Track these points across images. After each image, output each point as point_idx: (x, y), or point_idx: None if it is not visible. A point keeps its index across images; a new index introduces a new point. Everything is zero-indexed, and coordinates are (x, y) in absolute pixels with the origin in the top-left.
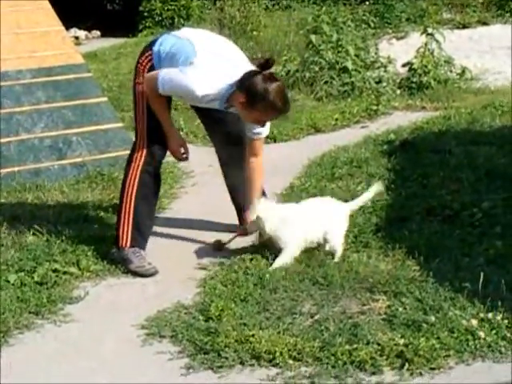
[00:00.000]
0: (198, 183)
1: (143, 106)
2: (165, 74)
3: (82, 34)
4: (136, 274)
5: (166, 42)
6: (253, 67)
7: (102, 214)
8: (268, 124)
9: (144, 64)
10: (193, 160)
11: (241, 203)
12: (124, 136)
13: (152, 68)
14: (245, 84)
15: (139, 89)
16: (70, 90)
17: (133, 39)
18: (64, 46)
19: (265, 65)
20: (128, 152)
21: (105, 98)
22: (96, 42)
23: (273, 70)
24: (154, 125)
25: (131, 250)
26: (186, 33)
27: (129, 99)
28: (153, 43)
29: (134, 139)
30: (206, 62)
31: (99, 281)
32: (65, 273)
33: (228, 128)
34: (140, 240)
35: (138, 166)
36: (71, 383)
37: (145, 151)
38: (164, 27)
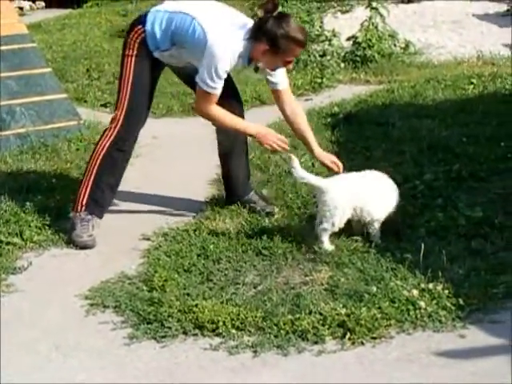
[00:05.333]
0: (142, 154)
1: (129, 80)
2: (202, 77)
3: (26, 4)
4: (74, 243)
5: (160, 20)
6: (246, 18)
7: (45, 184)
8: (284, 73)
9: (134, 38)
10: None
11: (231, 173)
12: (68, 107)
13: (144, 42)
14: (261, 32)
15: (127, 61)
16: (14, 61)
17: (77, 10)
18: (8, 16)
19: (272, 8)
20: (72, 123)
21: (49, 69)
22: (40, 12)
23: None
24: (137, 102)
25: (80, 217)
26: (174, 5)
27: (73, 70)
28: (143, 21)
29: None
30: (220, 31)
31: (42, 251)
32: (8, 243)
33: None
34: (95, 210)
35: (110, 137)
36: (14, 353)
37: (120, 125)
38: None
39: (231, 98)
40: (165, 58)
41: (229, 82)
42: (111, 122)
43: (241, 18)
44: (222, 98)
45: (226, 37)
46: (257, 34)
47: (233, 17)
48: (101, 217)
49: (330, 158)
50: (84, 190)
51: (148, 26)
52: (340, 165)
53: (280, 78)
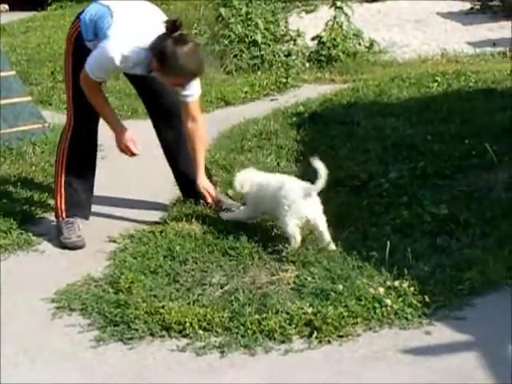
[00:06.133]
0: (107, 157)
1: (70, 78)
2: (88, 59)
3: None
4: (64, 246)
5: (91, 10)
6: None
7: (10, 188)
8: (198, 85)
9: (71, 33)
10: (102, 133)
11: (181, 172)
12: (33, 110)
13: (79, 35)
14: (156, 49)
15: (67, 59)
16: None
17: (41, 13)
18: None
19: (173, 27)
20: (37, 126)
21: (13, 72)
22: (4, 15)
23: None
24: (81, 98)
25: (64, 221)
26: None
27: (37, 73)
28: (81, 12)
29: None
30: (123, 30)
31: (8, 255)
32: None
33: (162, 97)
34: (75, 211)
35: (67, 137)
36: None
37: (73, 122)
38: (73, 1)
39: (167, 109)
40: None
41: (166, 94)
42: (65, 123)
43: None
44: (159, 110)
45: (123, 39)
46: (153, 48)
47: (154, 24)
48: (84, 216)
49: (205, 187)
50: (59, 196)
51: (83, 16)
52: (213, 196)
53: (191, 91)
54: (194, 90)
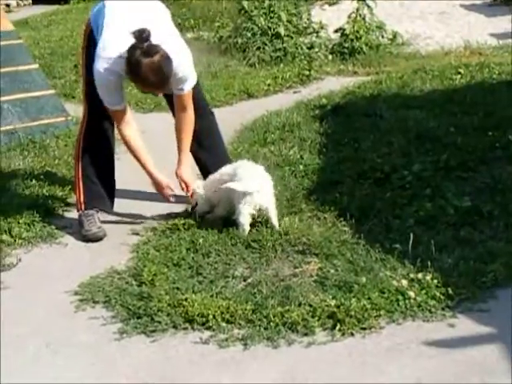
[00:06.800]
0: None
1: (83, 73)
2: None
3: (13, 1)
4: (85, 238)
5: (96, 8)
6: (170, 40)
7: (33, 181)
8: (190, 82)
9: (85, 28)
10: None
11: (204, 163)
12: (56, 103)
13: (91, 32)
14: (126, 57)
15: (82, 54)
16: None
17: (64, 6)
18: None
19: (139, 37)
20: (60, 119)
21: (36, 65)
22: (27, 9)
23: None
24: (93, 92)
25: (84, 214)
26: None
27: (60, 66)
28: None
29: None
30: (109, 42)
31: (31, 248)
32: None
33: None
34: (95, 203)
35: (82, 131)
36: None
37: (87, 116)
38: None
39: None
40: None
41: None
42: (81, 118)
43: (160, 29)
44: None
45: (109, 54)
46: (125, 55)
47: (150, 26)
48: (106, 208)
49: (183, 178)
50: (78, 189)
51: (93, 10)
52: (188, 189)
53: (182, 86)
54: (185, 86)
